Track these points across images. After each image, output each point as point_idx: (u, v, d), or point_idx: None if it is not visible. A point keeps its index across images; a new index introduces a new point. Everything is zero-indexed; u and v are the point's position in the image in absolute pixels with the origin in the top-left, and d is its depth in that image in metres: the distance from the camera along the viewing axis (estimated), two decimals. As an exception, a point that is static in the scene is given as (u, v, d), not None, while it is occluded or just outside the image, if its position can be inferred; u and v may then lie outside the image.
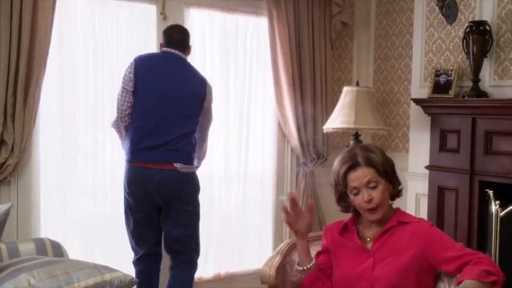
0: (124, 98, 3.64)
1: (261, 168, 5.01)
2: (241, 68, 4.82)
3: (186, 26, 4.46)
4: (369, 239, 2.48)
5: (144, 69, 3.67)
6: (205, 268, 4.72)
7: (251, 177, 4.95)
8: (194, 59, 4.54)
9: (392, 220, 2.47)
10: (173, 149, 3.64)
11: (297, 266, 2.51)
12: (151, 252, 3.82)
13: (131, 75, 3.64)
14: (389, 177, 2.46)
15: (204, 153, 4.03)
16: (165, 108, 3.64)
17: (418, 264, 2.37)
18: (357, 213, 2.54)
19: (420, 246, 2.38)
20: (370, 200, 2.40)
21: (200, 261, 4.66)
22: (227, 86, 4.76)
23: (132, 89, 3.63)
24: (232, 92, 4.80)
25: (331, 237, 2.57)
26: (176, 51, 3.81)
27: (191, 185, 3.80)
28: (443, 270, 2.37)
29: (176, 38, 3.84)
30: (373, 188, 2.41)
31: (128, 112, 3.65)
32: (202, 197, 4.64)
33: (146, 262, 3.81)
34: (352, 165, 2.43)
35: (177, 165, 3.64)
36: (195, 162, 3.87)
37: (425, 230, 2.43)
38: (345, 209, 2.55)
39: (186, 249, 3.84)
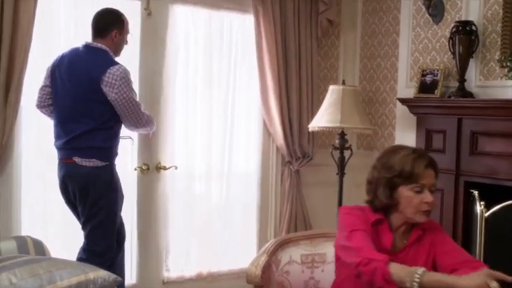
0: (40, 90, 3.80)
1: (245, 167, 5.01)
2: (225, 66, 4.82)
3: (170, 23, 4.50)
4: (397, 247, 2.48)
5: (60, 65, 3.73)
6: (187, 267, 4.74)
7: (235, 176, 4.95)
8: (178, 55, 4.56)
9: (417, 228, 2.49)
10: (74, 147, 3.65)
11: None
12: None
13: (48, 70, 3.78)
14: None
15: (146, 127, 3.94)
16: (65, 102, 3.68)
17: (430, 267, 2.41)
18: (384, 212, 2.49)
19: (434, 250, 2.47)
20: (430, 203, 2.40)
21: (182, 259, 4.71)
22: (211, 83, 4.76)
23: (46, 84, 3.78)
24: (216, 89, 4.79)
25: (365, 223, 2.45)
26: (92, 43, 3.74)
27: (99, 181, 3.68)
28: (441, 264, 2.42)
29: (95, 25, 3.77)
30: (432, 192, 2.42)
31: (42, 104, 3.80)
32: (184, 195, 4.68)
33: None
34: (430, 164, 2.43)
35: (76, 158, 3.63)
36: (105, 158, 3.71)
37: (437, 237, 2.50)
38: (379, 202, 2.47)
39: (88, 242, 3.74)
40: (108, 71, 3.59)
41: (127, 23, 3.86)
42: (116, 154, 3.79)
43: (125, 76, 3.64)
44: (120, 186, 3.84)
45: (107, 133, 3.70)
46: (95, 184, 3.64)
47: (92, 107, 3.62)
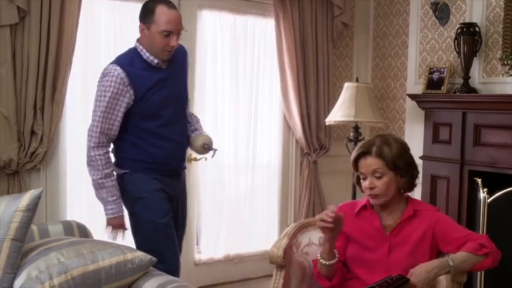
0: None
1: (267, 158, 5.04)
2: (249, 65, 4.86)
3: (198, 27, 4.53)
4: (387, 227, 2.51)
5: None
6: (216, 249, 4.79)
7: (258, 166, 4.99)
8: (206, 57, 4.60)
9: (408, 210, 2.51)
10: None
11: (319, 257, 2.49)
12: None
13: None
14: (400, 172, 2.46)
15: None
16: None
17: (429, 247, 2.44)
18: None
19: (430, 230, 2.45)
20: (372, 188, 2.45)
21: (211, 243, 4.75)
22: (237, 82, 4.80)
23: None
24: (241, 87, 4.83)
25: (346, 220, 2.50)
26: None
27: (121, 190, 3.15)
28: (446, 251, 2.42)
29: None
30: (379, 177, 2.44)
31: None
32: (214, 184, 4.72)
33: None
34: (363, 153, 2.48)
35: None
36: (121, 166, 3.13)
37: (433, 215, 2.49)
38: (362, 190, 2.57)
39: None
40: (105, 68, 3.05)
41: (160, 15, 2.95)
42: (142, 163, 3.05)
43: (103, 75, 2.99)
44: (150, 196, 3.06)
45: (121, 139, 3.09)
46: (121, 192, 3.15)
47: None
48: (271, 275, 2.71)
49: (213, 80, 4.68)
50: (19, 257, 2.47)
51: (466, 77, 4.09)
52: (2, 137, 3.62)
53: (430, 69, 4.37)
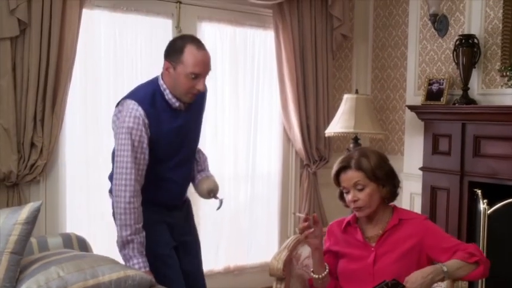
0: None
1: (267, 169, 5.05)
2: (249, 77, 4.87)
3: (199, 38, 4.52)
4: (372, 238, 2.53)
5: None
6: (216, 261, 4.79)
7: (258, 178, 4.99)
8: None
9: (393, 219, 2.53)
10: None
11: (312, 274, 2.54)
12: None
13: None
14: (381, 182, 2.49)
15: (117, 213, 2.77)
16: None
17: (417, 255, 2.45)
18: None
19: (417, 238, 2.46)
20: (355, 201, 2.48)
21: (211, 254, 4.73)
22: (237, 94, 4.81)
23: None
24: (241, 98, 4.84)
25: (334, 238, 2.62)
26: None
27: None
28: (438, 261, 2.43)
29: None
30: (360, 190, 2.48)
31: None
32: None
33: None
34: (343, 167, 2.51)
35: None
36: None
37: (421, 223, 2.52)
38: (346, 205, 2.60)
39: None
40: (121, 103, 2.78)
41: (189, 56, 2.69)
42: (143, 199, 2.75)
43: (122, 112, 2.70)
44: (150, 229, 2.78)
45: None
46: None
47: None
48: (271, 287, 2.70)
49: (213, 91, 4.68)
50: (18, 270, 2.46)
51: (465, 88, 4.10)
52: (1, 149, 3.62)
53: (430, 80, 4.38)
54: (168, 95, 2.76)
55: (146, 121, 2.68)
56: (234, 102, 4.81)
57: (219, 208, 3.03)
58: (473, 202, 4.03)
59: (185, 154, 2.91)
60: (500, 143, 3.87)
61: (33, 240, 2.97)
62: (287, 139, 5.07)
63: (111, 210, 2.86)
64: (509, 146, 3.81)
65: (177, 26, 4.40)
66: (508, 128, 3.80)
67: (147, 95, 2.74)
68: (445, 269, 2.32)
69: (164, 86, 2.76)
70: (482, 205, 3.87)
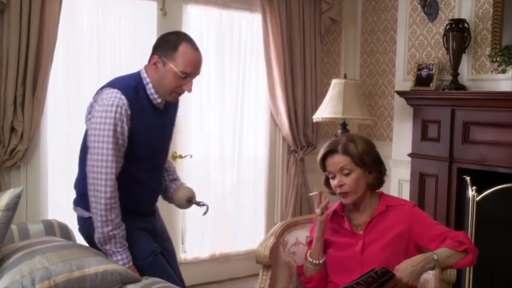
0: None
1: (254, 155, 5.03)
2: (236, 61, 4.83)
3: (184, 21, 4.48)
4: (359, 226, 2.52)
5: None
6: (201, 249, 4.77)
7: (245, 164, 4.97)
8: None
9: (380, 205, 2.52)
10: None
11: (311, 259, 2.53)
12: None
13: None
14: (368, 168, 2.49)
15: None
16: None
17: (405, 242, 2.44)
18: None
19: (406, 225, 2.45)
20: (341, 186, 2.47)
21: (197, 242, 4.72)
22: (223, 78, 4.77)
23: None
24: (227, 83, 4.80)
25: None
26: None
27: (83, 235, 2.82)
28: (426, 248, 2.42)
29: None
30: (347, 175, 2.47)
31: None
32: (199, 181, 4.70)
33: None
34: (330, 151, 2.51)
35: (72, 205, 2.85)
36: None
37: (410, 210, 2.51)
38: (331, 192, 2.59)
39: None
40: (100, 91, 2.61)
41: (184, 54, 2.59)
42: (124, 206, 2.61)
43: (104, 102, 2.52)
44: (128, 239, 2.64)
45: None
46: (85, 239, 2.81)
47: (85, 142, 2.68)
48: (257, 274, 2.69)
49: (199, 76, 4.61)
50: (-1, 258, 2.43)
51: (455, 74, 4.09)
52: (-20, 133, 3.57)
53: (419, 65, 4.37)
54: (150, 90, 2.62)
55: (129, 112, 2.52)
56: (220, 87, 4.76)
57: (205, 213, 2.94)
58: (462, 189, 4.04)
59: (160, 156, 2.81)
60: (490, 129, 3.86)
61: (13, 227, 2.91)
62: (274, 124, 5.04)
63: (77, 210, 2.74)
64: (498, 133, 3.81)
65: (162, 9, 4.34)
66: (498, 114, 3.79)
67: (130, 86, 2.59)
68: (435, 257, 2.31)
69: (147, 80, 2.63)
70: (471, 192, 3.87)
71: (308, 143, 5.03)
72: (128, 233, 2.63)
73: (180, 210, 4.55)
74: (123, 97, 2.52)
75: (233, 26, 4.80)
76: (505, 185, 3.79)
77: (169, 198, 2.93)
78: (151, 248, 2.73)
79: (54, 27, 3.74)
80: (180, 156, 4.48)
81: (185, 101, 4.50)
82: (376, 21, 5.12)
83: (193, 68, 2.63)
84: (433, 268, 2.35)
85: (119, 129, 2.51)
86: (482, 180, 3.89)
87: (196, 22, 4.58)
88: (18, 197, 2.51)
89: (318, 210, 2.50)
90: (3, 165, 3.68)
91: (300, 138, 4.98)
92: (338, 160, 2.48)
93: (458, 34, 4.03)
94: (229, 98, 4.83)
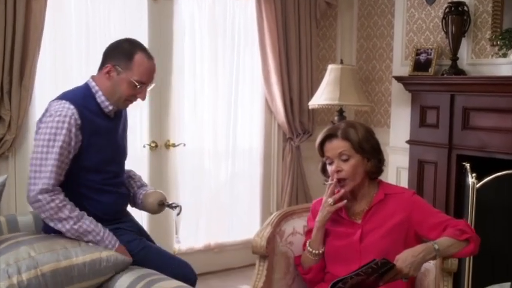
0: None
1: (249, 144, 5.00)
2: (229, 48, 4.78)
3: (175, 8, 4.43)
4: (358, 214, 2.50)
5: None
6: (196, 239, 4.75)
7: (239, 152, 4.94)
8: (184, 39, 4.52)
9: (378, 194, 2.50)
10: None
11: (309, 248, 2.51)
12: None
13: None
14: (367, 155, 2.46)
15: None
16: None
17: (404, 231, 2.42)
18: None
19: (405, 213, 2.43)
20: (339, 171, 2.44)
21: (191, 232, 4.70)
22: (216, 66, 4.72)
23: None
24: (221, 71, 4.75)
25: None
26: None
27: None
28: (427, 237, 2.39)
29: None
30: (345, 160, 2.44)
31: None
32: (193, 171, 4.67)
33: None
34: (329, 136, 2.47)
35: None
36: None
37: (409, 198, 2.48)
38: (327, 180, 2.55)
39: None
40: (49, 105, 2.60)
41: (140, 64, 2.59)
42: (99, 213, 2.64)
43: (52, 114, 2.51)
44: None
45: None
46: None
47: None
48: (253, 265, 2.67)
49: (192, 63, 4.61)
50: (-16, 249, 2.40)
51: (454, 58, 4.05)
52: (-34, 122, 3.52)
53: (417, 50, 4.33)
54: (100, 97, 2.61)
55: (79, 122, 2.51)
56: (213, 75, 4.72)
57: (179, 214, 2.94)
58: (461, 176, 4.00)
59: (118, 162, 2.78)
60: (490, 115, 3.83)
61: (2, 218, 2.91)
62: (269, 112, 5.01)
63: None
64: (499, 118, 3.78)
65: (153, -7, 4.28)
66: (498, 100, 3.75)
67: (79, 97, 2.59)
68: (436, 247, 2.28)
69: (96, 88, 2.62)
70: (471, 179, 3.83)
71: (304, 131, 5.00)
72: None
73: (174, 201, 4.51)
74: (71, 107, 2.51)
75: (226, 11, 4.74)
76: (505, 172, 3.75)
77: (139, 205, 2.90)
78: (136, 238, 2.74)
79: (41, 14, 3.68)
80: (173, 145, 4.44)
81: (178, 88, 4.47)
82: (373, 4, 5.07)
83: (149, 77, 2.64)
84: (434, 258, 2.32)
85: (67, 139, 2.49)
86: (482, 167, 3.86)
87: (188, 7, 4.53)
88: (2, 186, 2.50)
89: (330, 200, 2.45)
90: (-9, 155, 3.64)
91: (296, 126, 4.95)
92: (337, 145, 2.45)
93: (458, 17, 3.98)
94: (223, 86, 4.78)
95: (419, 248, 2.28)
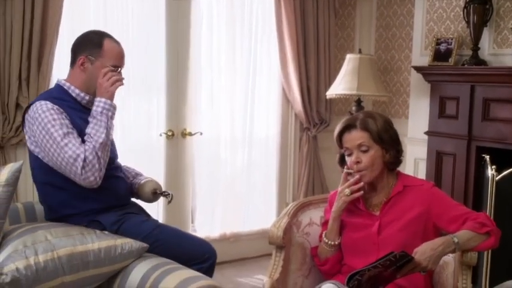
0: None
1: (265, 133, 4.99)
2: (247, 37, 4.77)
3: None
4: (376, 206, 2.48)
5: None
6: (212, 228, 4.76)
7: (256, 142, 4.93)
8: (202, 28, 4.52)
9: (397, 185, 2.48)
10: None
11: (325, 239, 2.51)
12: None
13: None
14: (385, 146, 2.44)
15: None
16: None
17: (423, 224, 2.40)
18: None
19: (424, 206, 2.41)
20: (358, 162, 2.42)
21: (207, 221, 4.72)
22: (234, 54, 4.72)
23: None
24: (238, 60, 4.75)
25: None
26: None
27: None
28: (446, 230, 2.38)
29: None
30: (365, 151, 2.42)
31: None
32: (210, 160, 4.67)
33: None
34: (348, 127, 2.45)
35: None
36: None
37: (428, 190, 2.46)
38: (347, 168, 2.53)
39: None
40: (26, 114, 2.65)
41: (110, 49, 2.69)
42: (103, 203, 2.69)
43: (43, 111, 2.55)
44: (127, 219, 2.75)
45: (64, 190, 2.67)
46: None
47: (32, 161, 2.75)
48: (268, 255, 2.67)
49: (209, 52, 4.61)
50: (1, 234, 2.43)
51: (475, 48, 4.01)
52: (-16, 109, 3.55)
53: (437, 40, 4.29)
54: (74, 91, 2.69)
55: (62, 111, 2.58)
56: (231, 63, 4.71)
57: (170, 202, 2.99)
58: (480, 168, 3.98)
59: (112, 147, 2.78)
60: (511, 106, 3.79)
61: (19, 206, 2.93)
62: (286, 101, 5.00)
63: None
64: (520, 110, 3.74)
65: (171, -16, 4.28)
66: (520, 91, 3.72)
67: (54, 94, 2.68)
68: (455, 240, 2.26)
69: (68, 85, 2.70)
70: (491, 171, 3.80)
71: (321, 120, 4.98)
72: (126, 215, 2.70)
73: (190, 189, 4.55)
74: (48, 102, 2.58)
75: (244, 0, 4.71)
76: (526, 164, 3.73)
77: (135, 195, 2.96)
78: (147, 219, 2.81)
79: (59, 2, 3.69)
80: (190, 134, 4.44)
81: (195, 77, 4.47)
82: (393, -7, 5.03)
83: (120, 60, 2.73)
84: (453, 251, 2.31)
85: (62, 118, 2.55)
86: (502, 159, 3.83)
87: (206, -3, 4.51)
88: (18, 172, 2.52)
89: (347, 190, 2.44)
90: (9, 143, 3.66)
91: (313, 115, 4.94)
92: (356, 136, 2.43)
93: (480, 6, 3.94)
94: (241, 75, 4.78)
95: (438, 241, 2.27)
